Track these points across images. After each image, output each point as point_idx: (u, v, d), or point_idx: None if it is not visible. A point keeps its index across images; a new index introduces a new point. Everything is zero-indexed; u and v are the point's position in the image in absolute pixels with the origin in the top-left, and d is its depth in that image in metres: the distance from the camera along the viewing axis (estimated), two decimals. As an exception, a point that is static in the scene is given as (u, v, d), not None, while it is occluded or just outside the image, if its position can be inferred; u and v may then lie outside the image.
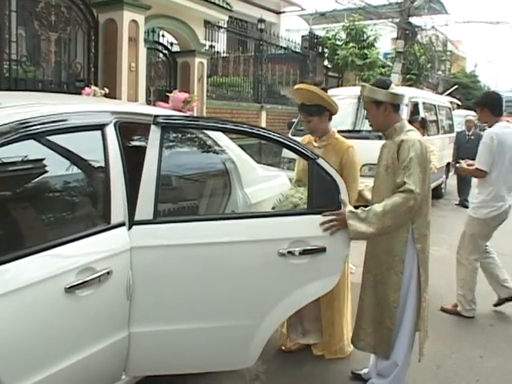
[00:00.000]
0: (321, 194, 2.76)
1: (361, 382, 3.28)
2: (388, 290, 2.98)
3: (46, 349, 2.11)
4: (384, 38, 18.40)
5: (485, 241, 4.59)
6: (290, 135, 8.25)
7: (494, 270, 4.67)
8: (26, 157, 2.29)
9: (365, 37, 16.76)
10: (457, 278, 4.63)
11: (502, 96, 4.76)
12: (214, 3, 9.76)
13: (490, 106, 4.52)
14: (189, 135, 3.23)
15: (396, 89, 3.08)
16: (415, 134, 3.02)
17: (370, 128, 3.45)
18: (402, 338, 3.02)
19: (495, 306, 4.73)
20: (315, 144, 3.56)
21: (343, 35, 16.98)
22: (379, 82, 3.20)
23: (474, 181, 4.94)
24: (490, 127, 4.52)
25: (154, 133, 2.58)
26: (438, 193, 9.99)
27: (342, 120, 9.00)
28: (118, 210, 2.46)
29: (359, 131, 8.47)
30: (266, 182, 3.73)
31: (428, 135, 8.14)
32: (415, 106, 9.11)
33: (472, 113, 12.95)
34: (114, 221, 2.43)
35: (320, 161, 2.74)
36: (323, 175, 2.73)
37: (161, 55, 9.98)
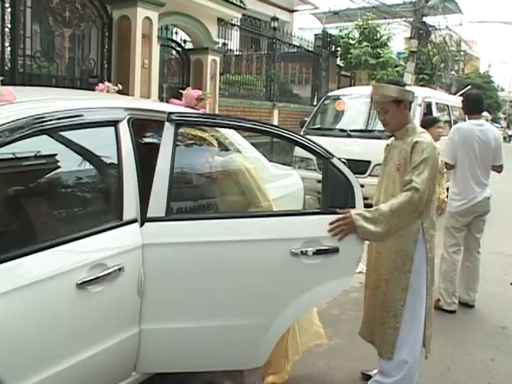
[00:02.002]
0: (334, 194, 2.73)
1: (371, 383, 3.27)
2: (395, 289, 2.96)
3: (56, 344, 2.11)
4: (397, 37, 18.36)
5: (461, 233, 4.70)
6: (302, 133, 8.24)
7: (469, 274, 4.78)
8: (39, 152, 2.29)
9: (378, 36, 16.68)
10: (439, 271, 4.65)
11: (481, 94, 4.94)
12: (228, 1, 9.75)
13: (468, 102, 4.73)
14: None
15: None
16: (428, 136, 3.03)
17: (382, 128, 3.41)
18: (412, 336, 2.99)
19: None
20: None
21: (356, 34, 16.91)
22: (394, 80, 3.17)
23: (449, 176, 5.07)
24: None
25: (168, 130, 2.57)
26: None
27: (354, 120, 8.98)
28: (131, 207, 2.46)
29: (371, 131, 8.42)
30: (278, 181, 3.72)
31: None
32: (428, 106, 9.05)
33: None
34: (126, 217, 2.42)
35: (334, 160, 2.71)
36: (337, 175, 2.70)
37: (174, 52, 9.99)
